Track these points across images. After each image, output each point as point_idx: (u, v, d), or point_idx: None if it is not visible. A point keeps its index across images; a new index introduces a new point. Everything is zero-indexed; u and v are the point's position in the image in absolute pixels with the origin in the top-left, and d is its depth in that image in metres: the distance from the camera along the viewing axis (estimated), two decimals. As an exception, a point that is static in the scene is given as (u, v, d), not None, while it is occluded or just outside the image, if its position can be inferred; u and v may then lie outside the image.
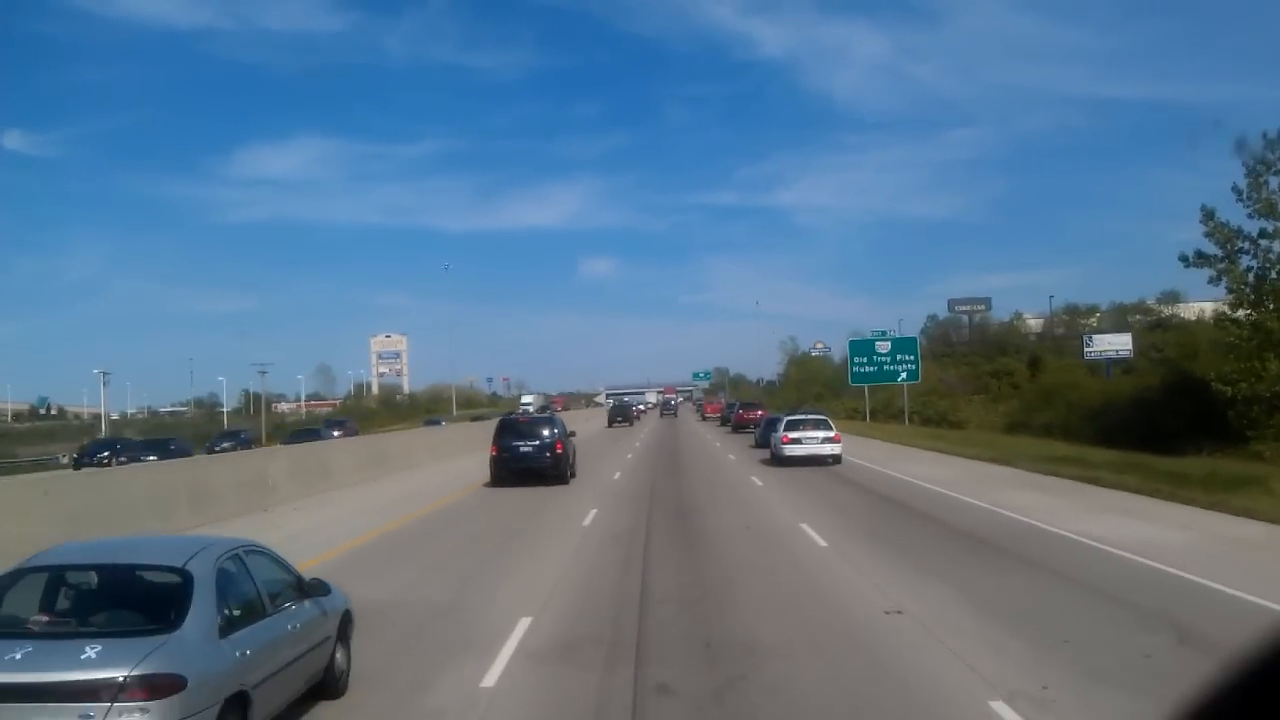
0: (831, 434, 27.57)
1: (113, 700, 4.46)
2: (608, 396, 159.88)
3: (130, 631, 4.98)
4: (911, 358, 51.63)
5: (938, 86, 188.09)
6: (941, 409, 55.63)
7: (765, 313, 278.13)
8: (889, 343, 53.05)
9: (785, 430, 28.16)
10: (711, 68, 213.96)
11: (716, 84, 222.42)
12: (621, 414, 72.84)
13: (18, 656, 4.60)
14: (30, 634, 4.94)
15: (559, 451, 23.07)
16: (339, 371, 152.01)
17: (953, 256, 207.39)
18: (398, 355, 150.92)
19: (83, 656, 4.61)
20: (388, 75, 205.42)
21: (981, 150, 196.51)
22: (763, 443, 34.29)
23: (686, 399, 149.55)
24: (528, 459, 22.88)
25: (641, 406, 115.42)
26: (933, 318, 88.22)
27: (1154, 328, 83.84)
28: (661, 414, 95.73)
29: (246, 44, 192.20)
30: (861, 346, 53.60)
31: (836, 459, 27.11)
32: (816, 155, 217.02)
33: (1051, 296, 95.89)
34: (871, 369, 52.04)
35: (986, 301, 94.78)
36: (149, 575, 5.65)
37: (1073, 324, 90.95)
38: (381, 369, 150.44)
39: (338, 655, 6.80)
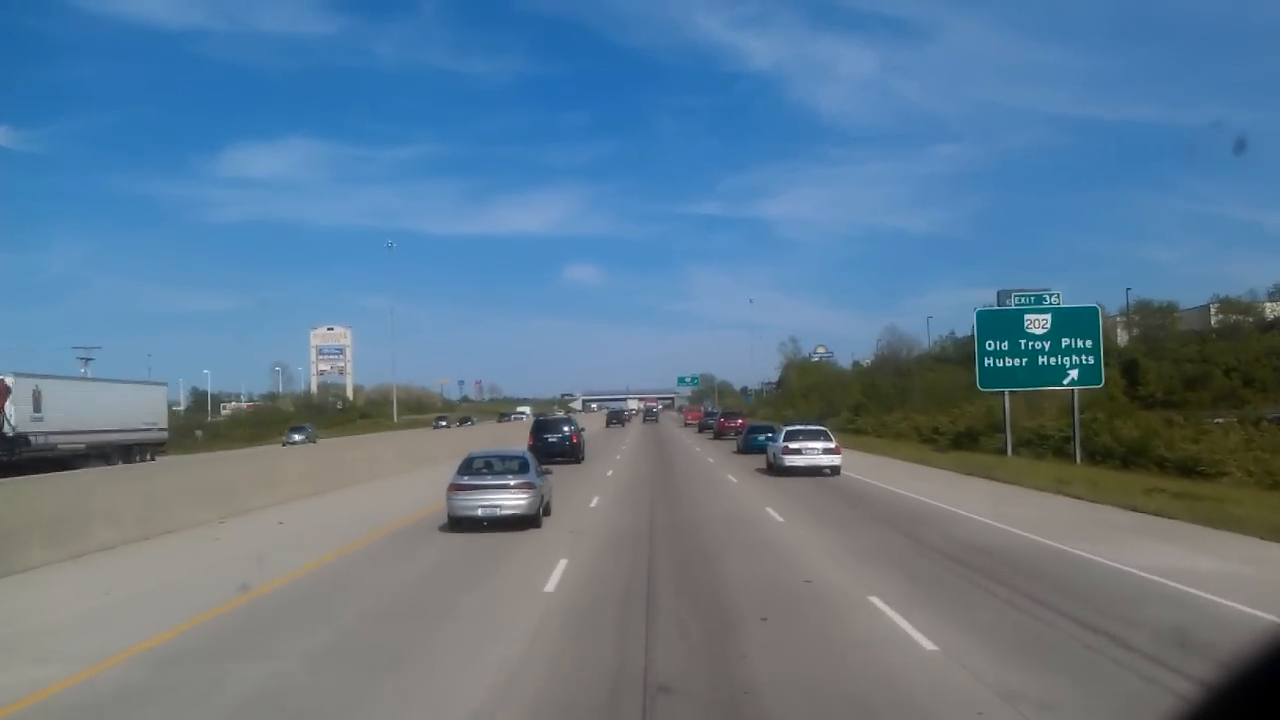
0: (831, 445, 27.98)
1: (516, 489, 17.00)
2: (584, 403, 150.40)
3: (515, 471, 17.42)
4: (1089, 344, 31.08)
5: (923, 103, 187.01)
6: (1132, 440, 29.10)
7: (750, 321, 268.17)
8: (1048, 316, 31.50)
9: (785, 441, 28.52)
10: (700, 79, 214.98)
11: (704, 95, 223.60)
12: (617, 418, 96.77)
13: (489, 477, 17.24)
14: (485, 474, 17.43)
15: (575, 441, 36.83)
16: (296, 370, 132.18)
17: (934, 271, 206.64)
18: (341, 351, 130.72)
19: (508, 476, 17.21)
20: (377, 79, 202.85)
21: (965, 166, 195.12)
22: (745, 449, 39.17)
23: (667, 407, 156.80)
24: (554, 446, 35.21)
25: (629, 411, 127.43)
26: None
27: (1269, 328, 69.45)
28: (644, 420, 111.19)
29: (237, 45, 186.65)
30: (999, 322, 32.02)
31: (835, 470, 27.44)
32: (802, 168, 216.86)
33: (1129, 289, 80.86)
34: (1016, 362, 31.37)
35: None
36: (514, 456, 18.71)
37: (1148, 322, 76.54)
38: (322, 366, 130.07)
39: (552, 499, 18.91)
